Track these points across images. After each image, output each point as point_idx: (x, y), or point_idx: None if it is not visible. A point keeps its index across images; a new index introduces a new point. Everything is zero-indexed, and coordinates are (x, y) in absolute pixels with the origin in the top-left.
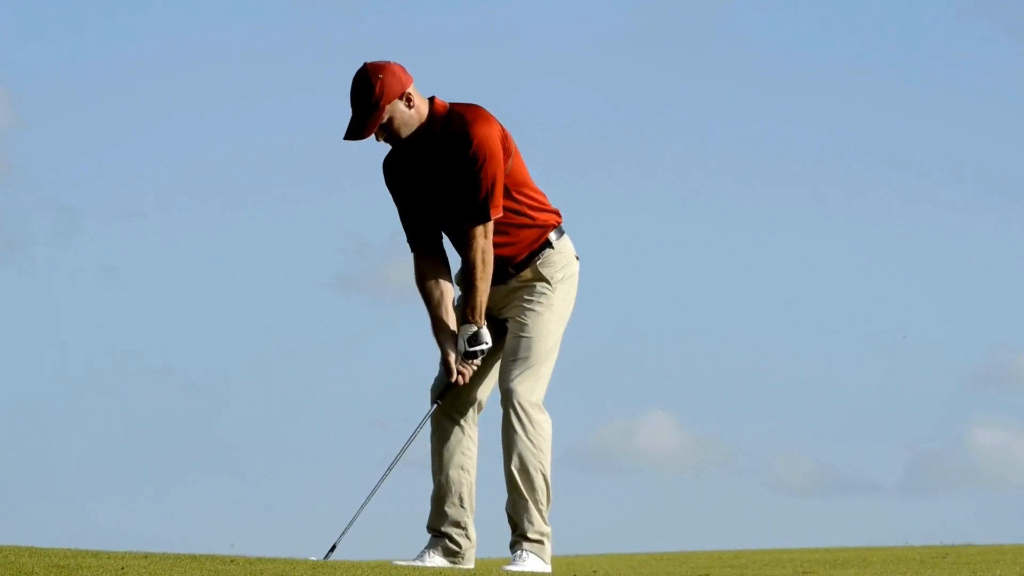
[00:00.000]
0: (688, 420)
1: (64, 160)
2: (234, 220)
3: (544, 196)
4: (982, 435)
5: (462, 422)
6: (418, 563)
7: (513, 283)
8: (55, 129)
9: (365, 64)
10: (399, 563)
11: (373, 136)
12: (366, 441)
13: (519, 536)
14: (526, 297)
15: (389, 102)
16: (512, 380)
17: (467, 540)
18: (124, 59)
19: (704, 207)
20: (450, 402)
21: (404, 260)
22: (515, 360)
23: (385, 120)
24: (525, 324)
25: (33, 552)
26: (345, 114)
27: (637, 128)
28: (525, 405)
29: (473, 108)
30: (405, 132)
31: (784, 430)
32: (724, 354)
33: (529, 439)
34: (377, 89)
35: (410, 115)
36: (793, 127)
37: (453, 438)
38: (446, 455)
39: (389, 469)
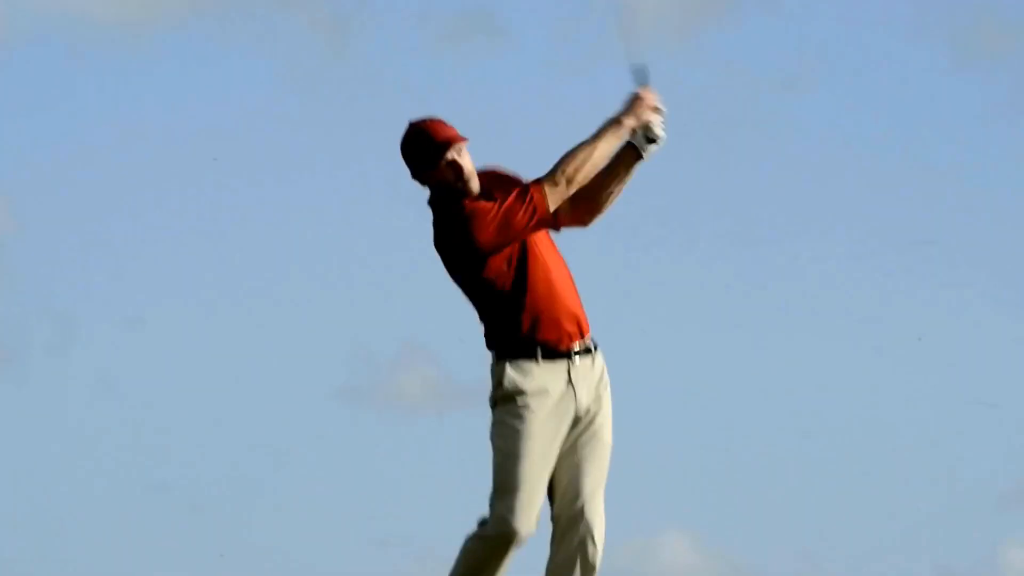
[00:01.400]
0: (707, 540)
1: (61, 264)
2: (236, 328)
3: (518, 319)
4: (1015, 556)
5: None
6: None
7: None
8: (52, 233)
9: None
10: None
11: (454, 160)
12: (371, 562)
13: None
14: None
15: (466, 141)
16: None
17: None
18: (123, 160)
19: (717, 308)
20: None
21: (413, 371)
22: None
23: (466, 147)
24: None
25: None
26: (346, 225)
27: (660, 225)
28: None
29: (457, 222)
30: (467, 179)
31: (807, 548)
32: (744, 469)
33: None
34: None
35: (471, 173)
36: (812, 213)
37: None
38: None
39: None
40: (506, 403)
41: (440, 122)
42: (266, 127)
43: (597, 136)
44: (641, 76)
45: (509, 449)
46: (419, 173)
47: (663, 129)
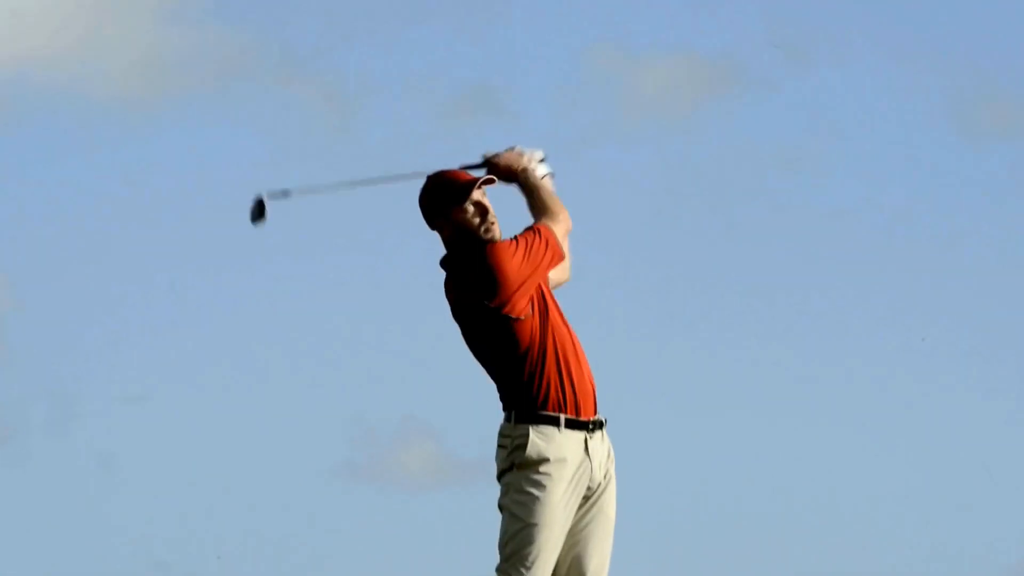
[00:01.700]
0: None
1: (61, 342)
2: (236, 404)
3: (544, 382)
4: None
5: None
6: None
7: None
8: (52, 311)
9: None
10: None
11: (482, 197)
12: None
13: None
14: None
15: (494, 183)
16: None
17: None
18: (124, 238)
19: (719, 387)
20: None
21: (414, 447)
22: None
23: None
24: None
25: None
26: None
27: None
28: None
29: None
30: (491, 222)
31: None
32: (745, 547)
33: None
34: None
35: (495, 219)
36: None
37: None
38: None
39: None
40: (525, 469)
41: (464, 171)
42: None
43: (527, 191)
44: (478, 166)
45: (528, 517)
46: (442, 213)
47: (529, 148)
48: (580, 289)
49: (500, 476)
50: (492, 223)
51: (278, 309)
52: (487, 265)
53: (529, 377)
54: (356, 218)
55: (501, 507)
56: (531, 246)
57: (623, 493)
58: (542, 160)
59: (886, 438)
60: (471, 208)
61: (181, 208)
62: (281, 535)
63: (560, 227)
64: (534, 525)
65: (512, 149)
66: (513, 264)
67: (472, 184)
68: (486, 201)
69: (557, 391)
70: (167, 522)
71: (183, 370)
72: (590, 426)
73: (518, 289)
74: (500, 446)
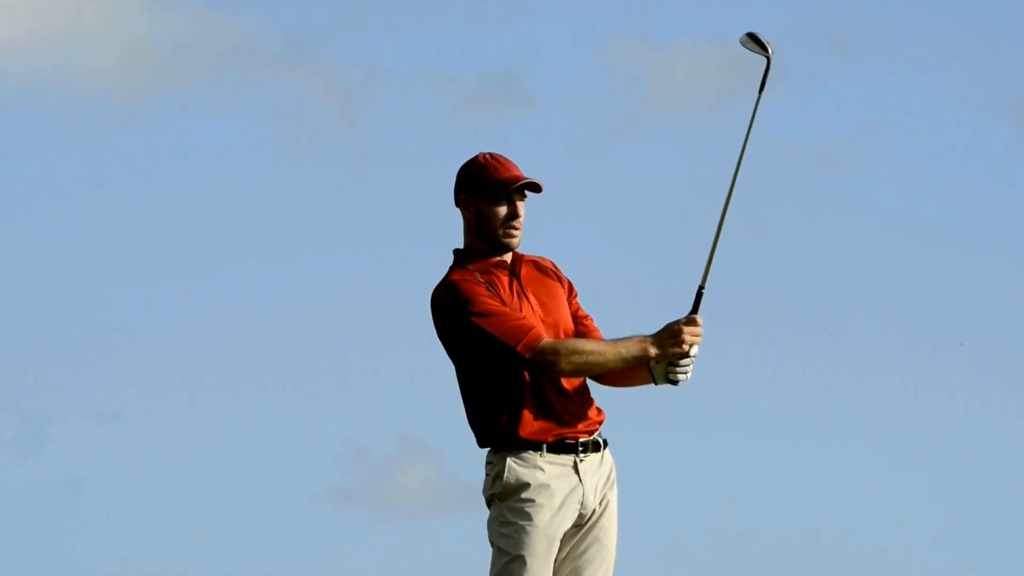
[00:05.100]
0: None
1: (32, 355)
2: (217, 422)
3: (511, 413)
4: None
5: None
6: None
7: None
8: (23, 321)
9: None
10: None
11: (516, 204)
12: None
13: None
14: None
15: (539, 192)
16: None
17: None
18: (102, 245)
19: (745, 401)
20: None
21: (408, 470)
22: None
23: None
24: None
25: None
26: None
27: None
28: None
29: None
30: (516, 227)
31: None
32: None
33: None
34: None
35: (520, 226)
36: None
37: None
38: None
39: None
40: (507, 499)
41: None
42: (260, 205)
43: (619, 346)
44: (697, 301)
45: (513, 549)
46: (473, 194)
47: (686, 375)
48: (600, 291)
49: (488, 505)
50: (515, 229)
51: (263, 320)
52: (445, 298)
53: (496, 404)
54: (347, 229)
55: (491, 542)
56: (502, 319)
57: (631, 520)
58: (671, 381)
59: (929, 452)
60: (504, 206)
61: (168, 212)
62: (267, 565)
63: (549, 365)
64: (520, 557)
65: (695, 341)
66: (461, 317)
67: (515, 184)
68: (522, 208)
69: (534, 414)
70: (142, 549)
71: (161, 386)
72: (580, 448)
73: (455, 342)
74: (486, 473)
